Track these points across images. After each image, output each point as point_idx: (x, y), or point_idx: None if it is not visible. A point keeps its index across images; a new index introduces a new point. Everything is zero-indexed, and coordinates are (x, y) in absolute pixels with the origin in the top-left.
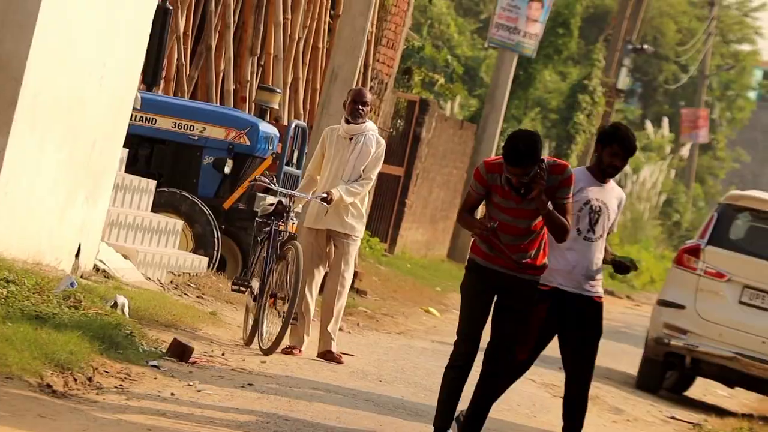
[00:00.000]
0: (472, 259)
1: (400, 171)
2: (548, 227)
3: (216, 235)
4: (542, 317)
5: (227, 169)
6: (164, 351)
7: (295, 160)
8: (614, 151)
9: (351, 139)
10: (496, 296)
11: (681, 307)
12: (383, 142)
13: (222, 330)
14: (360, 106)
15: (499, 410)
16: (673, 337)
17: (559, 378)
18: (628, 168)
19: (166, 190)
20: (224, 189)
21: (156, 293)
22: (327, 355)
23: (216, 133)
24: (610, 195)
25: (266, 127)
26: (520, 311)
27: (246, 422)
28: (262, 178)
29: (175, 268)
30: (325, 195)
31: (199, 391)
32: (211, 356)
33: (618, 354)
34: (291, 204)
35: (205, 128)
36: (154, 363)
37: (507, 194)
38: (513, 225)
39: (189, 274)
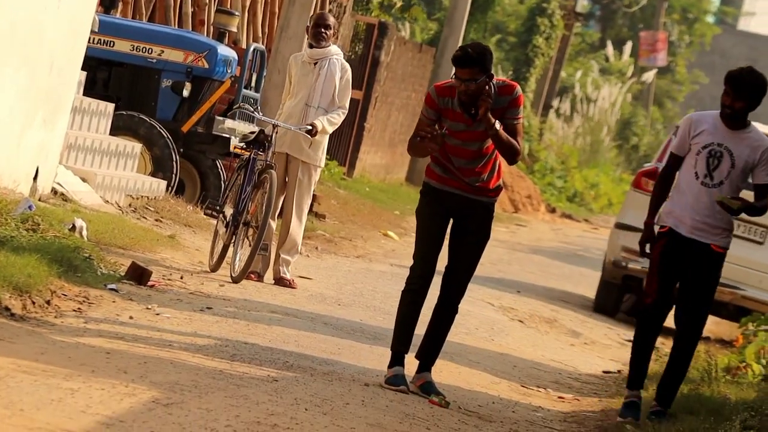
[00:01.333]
0: (426, 182)
1: (358, 95)
2: (497, 148)
3: (174, 159)
4: (656, 256)
5: (186, 93)
6: (123, 274)
7: (253, 84)
8: (726, 90)
9: (315, 63)
10: (452, 220)
11: (639, 230)
12: (348, 67)
13: (180, 253)
14: (323, 30)
15: (458, 333)
16: (631, 260)
17: (517, 301)
18: (587, 90)
19: (124, 113)
20: (183, 112)
21: (114, 216)
22: (280, 281)
23: (174, 56)
24: (741, 143)
25: (225, 51)
26: (475, 234)
27: (204, 345)
28: (247, 106)
29: (134, 192)
30: (309, 127)
31: (157, 314)
32: (169, 280)
33: (575, 277)
34: (274, 134)
35: (163, 51)
36: (113, 286)
37: (458, 116)
38: (464, 148)
39: (147, 197)
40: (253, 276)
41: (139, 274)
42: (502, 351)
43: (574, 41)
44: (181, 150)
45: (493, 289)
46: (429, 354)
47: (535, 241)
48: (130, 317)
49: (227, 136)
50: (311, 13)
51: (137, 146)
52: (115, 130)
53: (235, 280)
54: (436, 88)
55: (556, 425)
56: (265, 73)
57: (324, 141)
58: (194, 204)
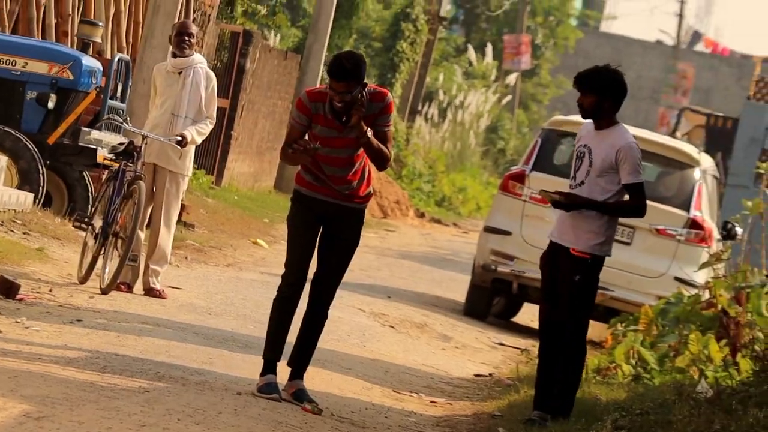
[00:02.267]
0: (296, 190)
1: (225, 103)
2: (368, 155)
3: (41, 171)
4: (540, 265)
5: (51, 104)
6: None
7: (119, 94)
8: (577, 90)
9: (180, 73)
10: (322, 227)
11: (507, 233)
12: (213, 76)
13: (49, 266)
14: (186, 38)
15: (329, 340)
16: (500, 263)
17: (387, 306)
18: (455, 95)
19: None
20: (48, 124)
21: None
22: (150, 292)
23: (38, 68)
24: (602, 142)
25: (89, 61)
26: (345, 240)
27: (75, 358)
28: (115, 117)
29: (0, 205)
30: (179, 138)
31: (26, 327)
32: (38, 293)
33: (445, 281)
34: (143, 145)
35: (27, 63)
36: None
37: (330, 123)
38: (335, 156)
39: (14, 210)
40: (122, 287)
41: (7, 288)
42: (373, 357)
43: (438, 46)
44: (48, 162)
45: (363, 295)
46: (300, 361)
47: (405, 246)
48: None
49: (94, 147)
50: (175, 21)
51: (3, 159)
52: None
53: (105, 292)
54: (307, 93)
55: (429, 430)
56: (130, 84)
57: (191, 150)
58: (62, 216)
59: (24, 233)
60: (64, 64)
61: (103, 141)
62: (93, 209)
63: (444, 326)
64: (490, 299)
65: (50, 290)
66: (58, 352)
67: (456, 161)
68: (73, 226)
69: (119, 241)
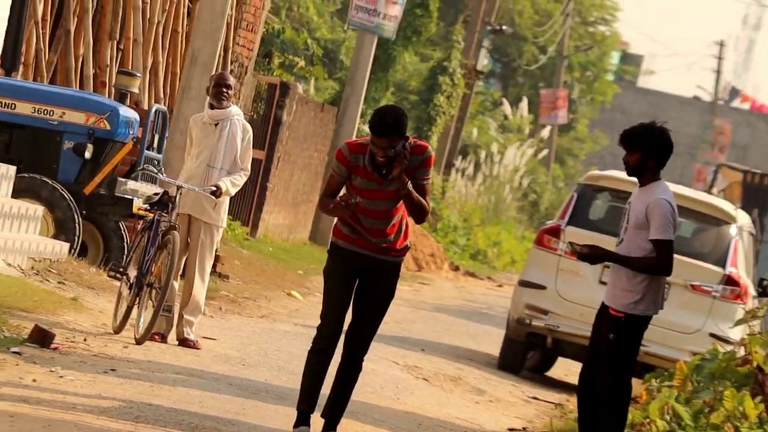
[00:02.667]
0: (333, 242)
1: (261, 154)
2: (408, 207)
3: (77, 221)
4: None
5: (87, 154)
6: (25, 337)
7: (156, 145)
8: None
9: (216, 124)
10: (358, 279)
11: (542, 287)
12: (249, 128)
13: (84, 315)
14: (224, 89)
15: (363, 392)
16: (535, 317)
17: (421, 359)
18: (492, 149)
19: (26, 175)
20: (85, 174)
21: (17, 279)
22: (183, 342)
23: (76, 117)
24: (640, 198)
25: (126, 112)
26: (381, 293)
27: (108, 408)
28: (150, 168)
29: (36, 254)
30: (214, 188)
31: (61, 377)
32: (72, 342)
33: (480, 335)
34: (178, 195)
35: (64, 113)
36: (16, 349)
37: (369, 175)
38: (374, 209)
39: (50, 259)
40: (156, 337)
41: (42, 337)
42: (407, 409)
43: (475, 99)
44: (84, 212)
45: (397, 348)
46: (334, 413)
47: (439, 299)
48: (34, 380)
49: (130, 197)
50: (212, 73)
51: (39, 209)
52: (17, 192)
53: (139, 342)
54: (348, 145)
55: None
56: (167, 134)
57: (225, 202)
58: (97, 266)
59: (59, 282)
60: (102, 115)
61: (139, 191)
62: (128, 259)
63: (478, 380)
64: (524, 353)
65: (85, 340)
66: (92, 401)
67: (491, 215)
68: (107, 276)
69: (153, 291)
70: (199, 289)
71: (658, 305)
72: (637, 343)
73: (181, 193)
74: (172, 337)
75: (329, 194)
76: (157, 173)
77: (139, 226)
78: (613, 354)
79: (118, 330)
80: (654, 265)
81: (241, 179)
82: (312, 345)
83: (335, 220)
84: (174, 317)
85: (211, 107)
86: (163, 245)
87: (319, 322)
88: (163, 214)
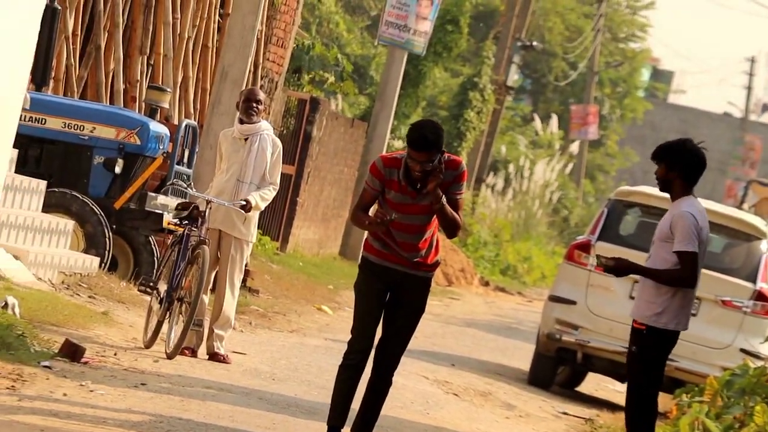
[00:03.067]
0: (365, 257)
1: (291, 170)
2: (441, 222)
3: (107, 235)
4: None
5: (118, 169)
6: (56, 351)
7: (186, 160)
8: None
9: (246, 139)
10: (389, 294)
11: (572, 302)
12: (279, 143)
13: (114, 330)
14: (254, 105)
15: (393, 407)
16: (565, 332)
17: (451, 374)
18: (522, 164)
19: (56, 190)
20: (115, 189)
21: (47, 293)
22: (214, 357)
23: (106, 132)
24: (668, 213)
25: (157, 127)
26: (412, 307)
27: (139, 422)
28: (179, 182)
29: (67, 269)
30: (243, 203)
31: (91, 391)
32: (103, 356)
33: (510, 350)
34: (207, 210)
35: (95, 128)
36: (46, 363)
37: (403, 189)
38: (407, 223)
39: (80, 274)
40: (186, 351)
41: (72, 351)
42: (437, 424)
43: (505, 115)
44: (114, 226)
45: (427, 363)
46: (364, 428)
47: (469, 314)
48: (64, 394)
49: (160, 212)
50: (242, 88)
51: (70, 223)
52: (48, 207)
53: (170, 356)
54: (382, 159)
55: None
56: (197, 149)
57: (255, 217)
58: (127, 280)
59: (89, 297)
60: (132, 130)
61: (169, 206)
62: (158, 274)
63: (508, 394)
64: (554, 368)
65: (115, 354)
66: (122, 415)
67: (521, 230)
68: (138, 290)
69: (184, 306)
70: (229, 304)
71: (681, 321)
72: (660, 357)
73: (210, 208)
74: (202, 351)
75: (362, 208)
76: (186, 188)
77: (169, 241)
78: (635, 367)
79: (148, 345)
80: (678, 277)
81: (270, 194)
82: (342, 360)
83: (365, 234)
84: (204, 332)
85: (241, 122)
86: (192, 260)
87: (350, 336)
88: (193, 228)
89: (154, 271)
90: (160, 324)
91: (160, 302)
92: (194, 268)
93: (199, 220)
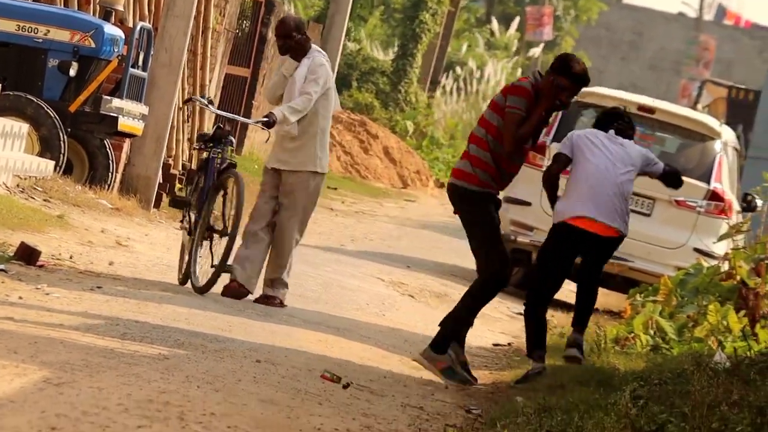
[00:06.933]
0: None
1: (246, 72)
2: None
3: (62, 138)
4: None
5: (72, 72)
6: (11, 255)
7: (141, 63)
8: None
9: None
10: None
11: (527, 203)
12: (318, 57)
13: (70, 233)
14: (280, 42)
15: (348, 309)
16: (520, 233)
17: (407, 276)
18: (472, 66)
19: (10, 93)
20: (70, 92)
21: (2, 197)
22: (263, 300)
23: (60, 35)
24: None
25: (111, 30)
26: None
27: (95, 325)
28: (197, 98)
29: (21, 172)
30: (266, 118)
31: (47, 294)
32: (59, 259)
33: (465, 251)
34: (232, 129)
35: (49, 31)
36: (2, 267)
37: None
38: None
39: (35, 177)
40: (276, 303)
41: (28, 254)
42: (393, 326)
43: (460, 16)
44: (69, 130)
45: (382, 265)
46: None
47: (424, 216)
48: (20, 297)
49: (115, 115)
50: None
51: (24, 126)
52: (2, 110)
53: (200, 291)
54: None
55: (447, 398)
56: (152, 52)
57: (310, 143)
58: (82, 184)
59: (45, 200)
60: (86, 32)
61: (124, 109)
62: (187, 206)
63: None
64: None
65: (71, 257)
66: (78, 318)
67: None
68: (169, 205)
69: (215, 236)
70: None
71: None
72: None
73: (233, 127)
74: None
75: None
76: (206, 105)
77: (195, 167)
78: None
79: (183, 281)
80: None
81: (300, 103)
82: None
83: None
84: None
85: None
86: (220, 185)
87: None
88: (218, 150)
89: (109, 174)
90: (191, 254)
91: (189, 233)
92: (220, 195)
93: (223, 140)
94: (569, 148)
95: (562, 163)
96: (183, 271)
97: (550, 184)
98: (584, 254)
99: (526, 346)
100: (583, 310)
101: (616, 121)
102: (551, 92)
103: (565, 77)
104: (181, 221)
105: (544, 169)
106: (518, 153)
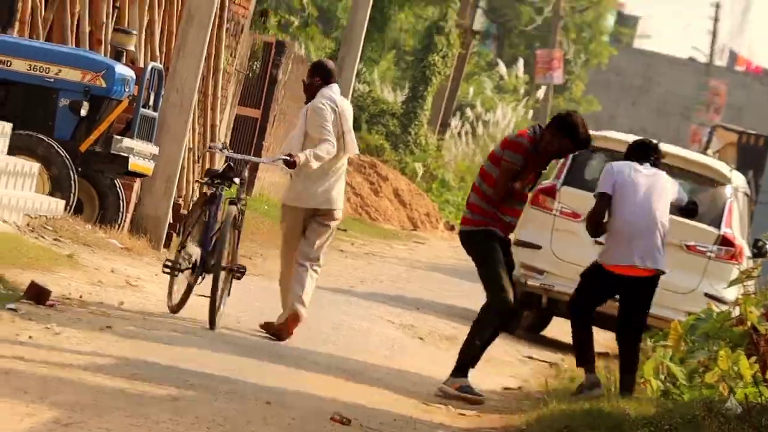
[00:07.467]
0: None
1: (256, 113)
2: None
3: (72, 178)
4: None
5: (83, 112)
6: (22, 294)
7: (151, 103)
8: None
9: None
10: None
11: (537, 247)
12: (314, 102)
13: (80, 273)
14: (304, 83)
15: (357, 351)
16: (530, 277)
17: (416, 318)
18: (480, 109)
19: (22, 132)
20: (81, 132)
21: (12, 236)
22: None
23: (72, 75)
24: None
25: (122, 69)
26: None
27: (104, 365)
28: (213, 144)
29: (32, 211)
30: (287, 157)
31: (57, 334)
32: (69, 299)
33: (475, 294)
34: (244, 170)
35: (60, 70)
36: (12, 306)
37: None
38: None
39: (46, 216)
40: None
41: (38, 294)
42: (402, 368)
43: (470, 60)
44: (80, 169)
45: (392, 307)
46: None
47: (434, 259)
48: (30, 337)
49: (125, 155)
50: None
51: (35, 166)
52: (13, 149)
53: (211, 326)
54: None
55: None
56: (163, 92)
57: (337, 185)
58: (93, 223)
59: (55, 240)
60: (98, 72)
61: (135, 149)
62: (184, 239)
63: None
64: (519, 313)
65: (81, 297)
66: (88, 358)
67: None
68: (162, 272)
69: (232, 276)
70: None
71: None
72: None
73: (246, 168)
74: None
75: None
76: (222, 150)
77: (198, 201)
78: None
79: (175, 309)
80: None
81: (323, 149)
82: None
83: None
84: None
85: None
86: (234, 223)
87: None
88: (225, 187)
89: (119, 213)
90: (190, 288)
91: (192, 268)
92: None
93: (232, 179)
94: (611, 186)
95: (605, 203)
96: (177, 300)
97: (596, 222)
98: (624, 295)
99: (576, 357)
100: (629, 353)
101: (648, 152)
102: (553, 149)
103: (570, 141)
104: (171, 269)
105: (554, 212)
106: (516, 198)
